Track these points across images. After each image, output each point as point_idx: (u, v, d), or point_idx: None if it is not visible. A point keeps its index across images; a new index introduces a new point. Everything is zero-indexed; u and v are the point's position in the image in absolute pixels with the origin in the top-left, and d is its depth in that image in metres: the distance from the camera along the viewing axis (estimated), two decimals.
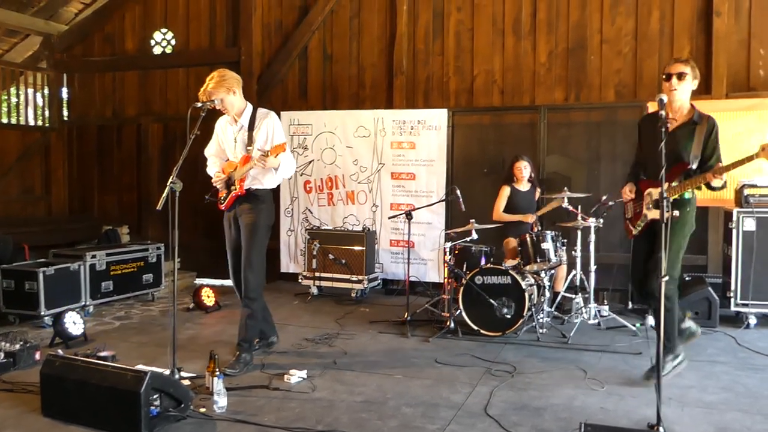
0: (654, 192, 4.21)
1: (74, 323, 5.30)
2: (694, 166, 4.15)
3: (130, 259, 7.06)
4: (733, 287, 5.86)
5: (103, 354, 4.63)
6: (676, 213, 4.05)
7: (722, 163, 4.12)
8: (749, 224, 5.82)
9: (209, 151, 4.90)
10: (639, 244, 4.49)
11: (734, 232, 5.86)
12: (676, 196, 4.13)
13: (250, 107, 4.70)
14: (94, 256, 6.60)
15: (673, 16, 6.96)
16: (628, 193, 4.47)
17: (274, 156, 4.38)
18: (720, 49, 6.71)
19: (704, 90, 6.76)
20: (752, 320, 5.88)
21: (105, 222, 8.99)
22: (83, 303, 6.39)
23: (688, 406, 3.94)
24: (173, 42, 9.14)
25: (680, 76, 4.15)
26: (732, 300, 5.89)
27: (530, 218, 6.27)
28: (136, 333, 5.79)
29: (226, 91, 4.53)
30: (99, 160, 9.55)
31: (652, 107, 6.65)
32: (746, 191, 5.91)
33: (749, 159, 3.93)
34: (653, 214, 4.20)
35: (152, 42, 9.23)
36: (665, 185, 4.05)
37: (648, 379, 4.28)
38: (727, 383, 4.34)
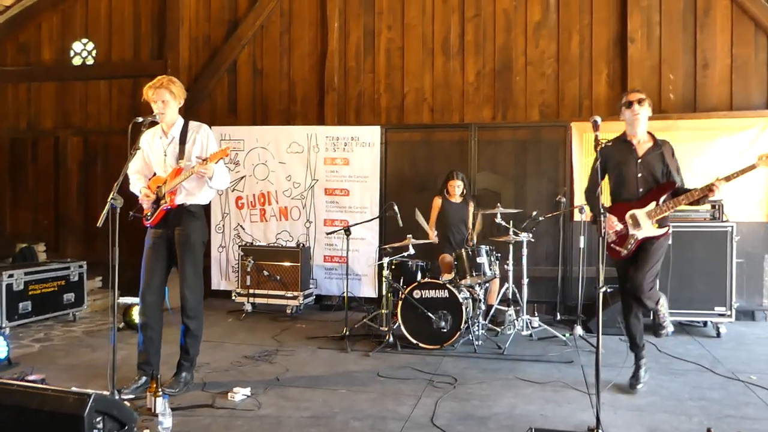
0: (638, 213, 4.42)
1: None
2: (678, 183, 4.41)
3: (50, 278, 6.74)
4: None
5: (31, 378, 4.41)
6: (669, 230, 4.39)
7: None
8: None
9: (132, 168, 4.65)
10: (625, 263, 4.55)
11: None
12: (666, 214, 4.37)
13: (181, 120, 4.58)
14: (11, 276, 6.27)
15: (592, 41, 7.37)
16: (615, 223, 4.45)
17: (214, 162, 4.30)
18: (634, 73, 7.16)
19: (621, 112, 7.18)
20: (669, 328, 6.23)
21: (18, 240, 8.54)
22: None
23: (621, 409, 4.17)
24: (94, 53, 8.86)
25: (640, 101, 4.44)
26: None
27: (432, 237, 6.49)
28: (64, 355, 5.53)
29: (174, 96, 4.45)
30: (11, 174, 9.10)
31: (576, 128, 7.02)
32: None
33: (750, 168, 4.12)
34: (645, 232, 4.41)
35: (72, 53, 8.91)
36: (651, 205, 4.37)
37: (632, 387, 4.54)
38: (653, 387, 4.61)
